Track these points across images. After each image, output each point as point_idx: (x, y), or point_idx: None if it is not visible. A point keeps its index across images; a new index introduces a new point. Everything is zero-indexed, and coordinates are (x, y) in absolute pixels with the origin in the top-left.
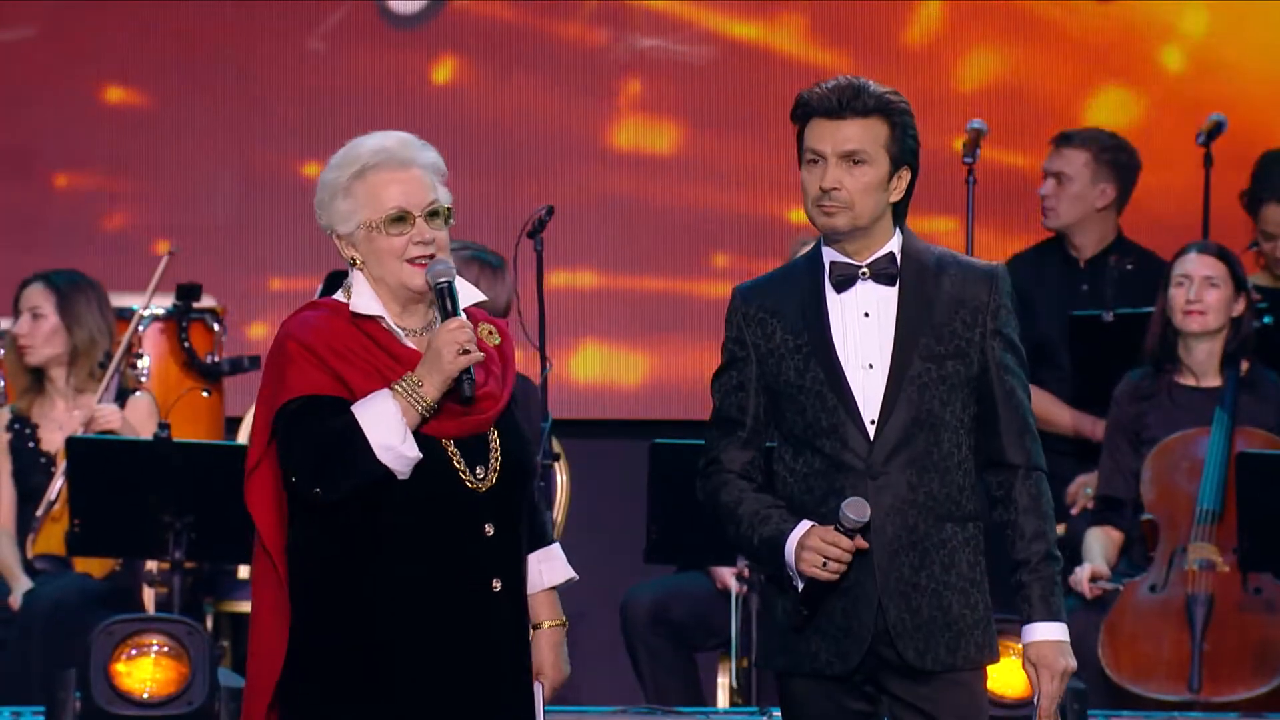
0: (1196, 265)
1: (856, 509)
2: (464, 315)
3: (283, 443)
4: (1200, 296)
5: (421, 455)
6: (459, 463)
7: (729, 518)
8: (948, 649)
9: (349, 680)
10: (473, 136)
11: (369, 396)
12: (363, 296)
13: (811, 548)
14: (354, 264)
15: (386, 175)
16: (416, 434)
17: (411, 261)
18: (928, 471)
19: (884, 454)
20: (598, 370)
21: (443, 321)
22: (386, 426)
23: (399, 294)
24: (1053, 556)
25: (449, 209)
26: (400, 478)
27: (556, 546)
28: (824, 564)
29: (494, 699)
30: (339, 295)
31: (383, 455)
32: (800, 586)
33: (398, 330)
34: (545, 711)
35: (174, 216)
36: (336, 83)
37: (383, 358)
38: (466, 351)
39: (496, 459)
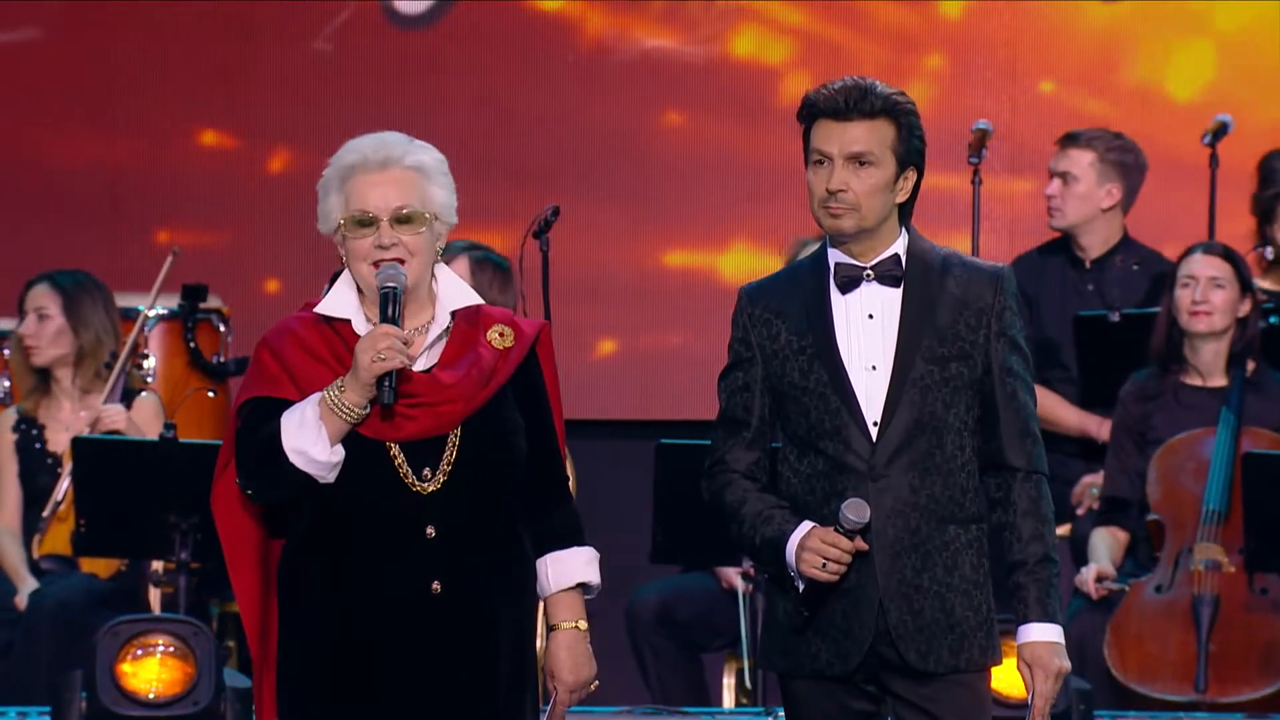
0: (1202, 266)
1: (856, 510)
2: (400, 323)
3: (233, 446)
4: (1206, 297)
5: (337, 459)
6: (401, 465)
7: (732, 518)
8: (950, 651)
9: (305, 678)
10: (478, 137)
11: (299, 404)
12: (335, 298)
13: (811, 549)
14: (344, 263)
15: (364, 177)
16: (358, 437)
17: (375, 265)
18: (930, 474)
19: (886, 456)
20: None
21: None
22: (299, 431)
23: (372, 296)
24: (1050, 559)
25: (431, 213)
26: (321, 481)
27: (571, 550)
28: (824, 565)
29: (442, 702)
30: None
31: (294, 459)
32: (801, 588)
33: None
34: (566, 713)
35: (179, 217)
36: (343, 84)
37: (340, 362)
38: (383, 359)
39: (450, 461)
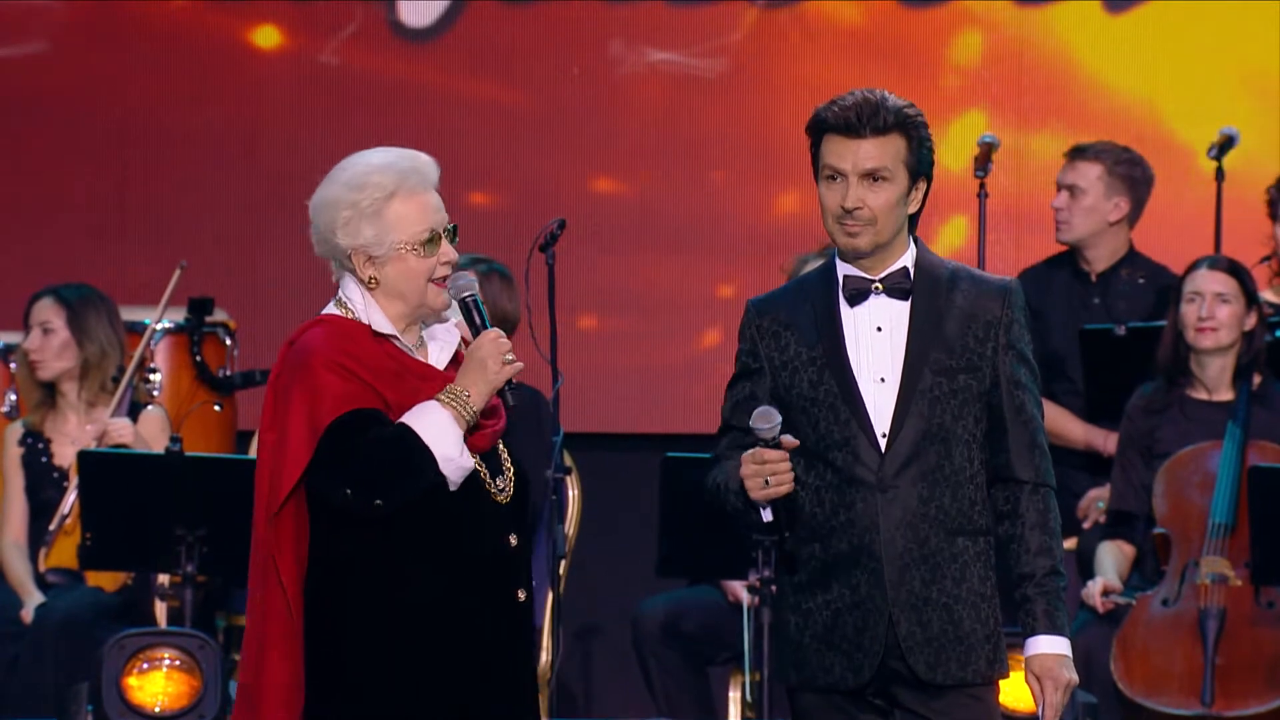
0: (1208, 281)
1: (763, 419)
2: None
3: (334, 458)
4: (1212, 313)
5: (474, 466)
6: (485, 475)
7: (717, 498)
8: (959, 663)
9: (382, 693)
10: (485, 149)
11: (419, 408)
12: (378, 315)
13: (747, 475)
14: (372, 284)
15: (418, 197)
16: None
17: (437, 281)
18: (939, 485)
19: (895, 467)
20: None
21: (476, 334)
22: (447, 438)
23: (415, 313)
24: (1057, 572)
25: (455, 226)
26: (452, 488)
27: None
28: (766, 483)
29: (520, 709)
30: (336, 311)
31: (445, 467)
32: (766, 517)
33: (408, 348)
34: None
35: (185, 230)
36: (349, 97)
37: (404, 374)
38: (510, 361)
39: (512, 471)
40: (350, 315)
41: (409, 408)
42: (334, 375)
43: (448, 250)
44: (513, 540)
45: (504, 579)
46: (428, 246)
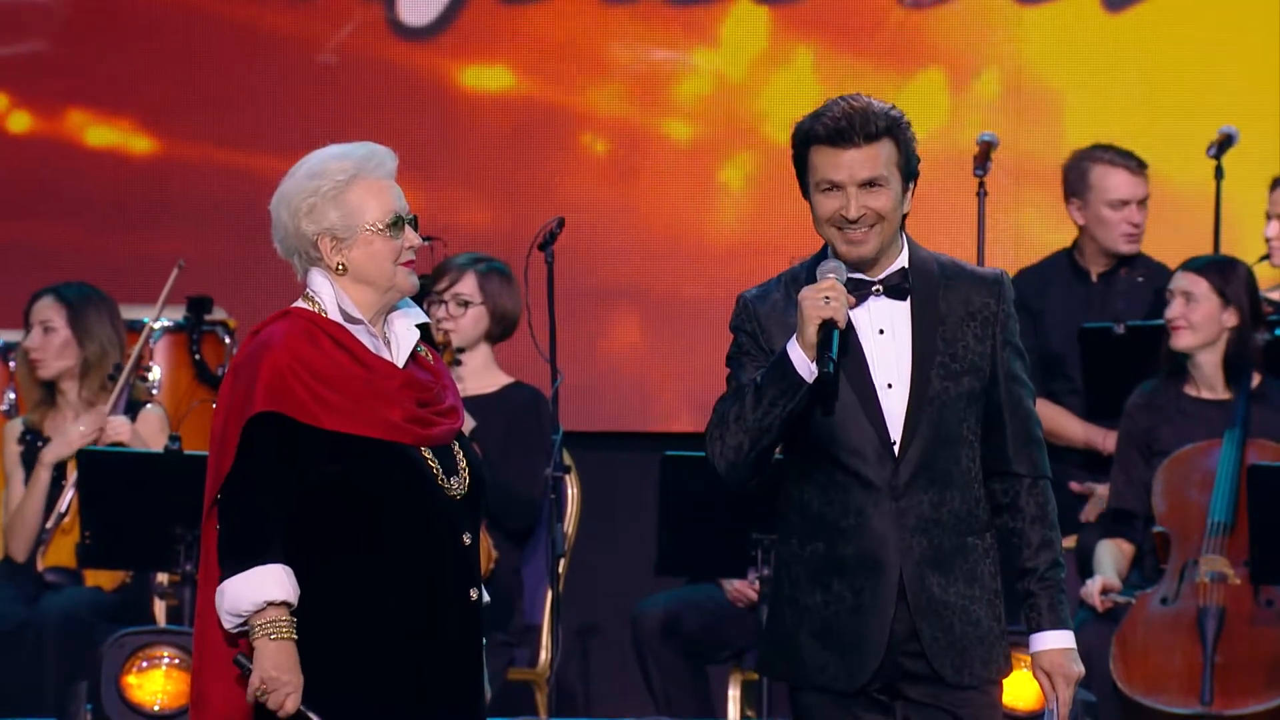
0: (1177, 280)
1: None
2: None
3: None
4: (1180, 313)
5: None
6: (436, 471)
7: (737, 407)
8: (982, 662)
9: (328, 688)
10: (485, 148)
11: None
12: (348, 302)
13: (808, 295)
14: (340, 270)
15: (381, 181)
16: (392, 445)
17: (404, 264)
18: (949, 488)
19: (907, 474)
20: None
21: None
22: (263, 588)
23: (384, 299)
24: (1059, 564)
25: (416, 217)
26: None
27: None
28: (826, 300)
29: (465, 708)
30: (304, 305)
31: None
32: (819, 371)
33: (374, 340)
34: None
35: (184, 228)
36: (347, 96)
37: (359, 379)
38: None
39: (465, 468)
40: (318, 309)
41: (358, 413)
42: (277, 377)
43: (412, 236)
44: (466, 539)
45: (457, 576)
46: (393, 229)
